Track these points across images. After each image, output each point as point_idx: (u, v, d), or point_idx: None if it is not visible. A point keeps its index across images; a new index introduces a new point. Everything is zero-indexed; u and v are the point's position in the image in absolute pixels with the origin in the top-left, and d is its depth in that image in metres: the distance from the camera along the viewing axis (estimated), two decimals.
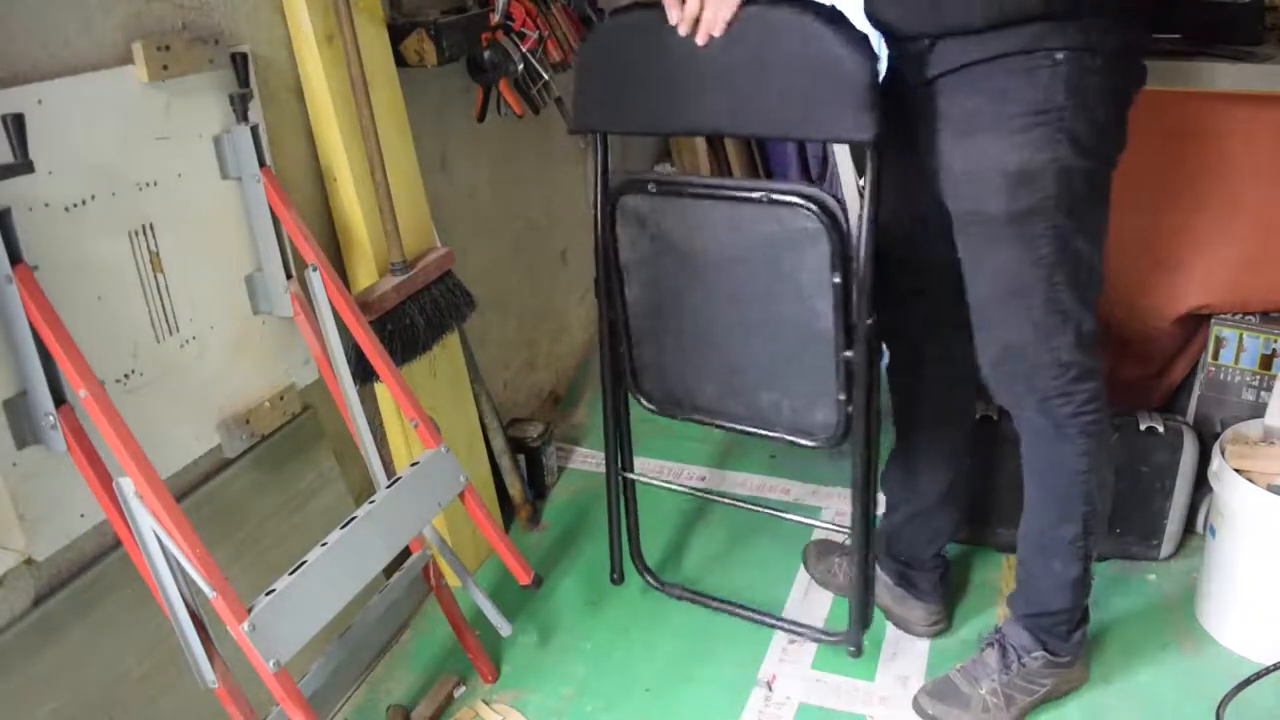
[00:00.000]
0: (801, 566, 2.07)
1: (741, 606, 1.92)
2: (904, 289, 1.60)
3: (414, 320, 1.79)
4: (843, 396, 1.58)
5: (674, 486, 2.11)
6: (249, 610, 1.23)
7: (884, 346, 1.73)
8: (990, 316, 1.47)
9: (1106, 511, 1.58)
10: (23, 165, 1.14)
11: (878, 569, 1.85)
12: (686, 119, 1.53)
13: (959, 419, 1.78)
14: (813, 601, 1.98)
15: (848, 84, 1.36)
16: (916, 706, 1.70)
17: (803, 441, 1.67)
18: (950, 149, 1.40)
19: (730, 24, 1.40)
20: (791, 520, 1.91)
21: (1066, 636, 1.65)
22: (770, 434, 1.70)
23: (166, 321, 1.42)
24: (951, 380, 1.71)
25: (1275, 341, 1.92)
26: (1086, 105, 1.30)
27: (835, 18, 1.38)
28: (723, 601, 1.93)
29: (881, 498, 1.86)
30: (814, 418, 1.64)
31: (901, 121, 1.44)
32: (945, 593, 1.88)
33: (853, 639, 1.77)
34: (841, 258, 1.47)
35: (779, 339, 1.60)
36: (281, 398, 1.62)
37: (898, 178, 1.50)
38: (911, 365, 1.74)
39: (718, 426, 1.76)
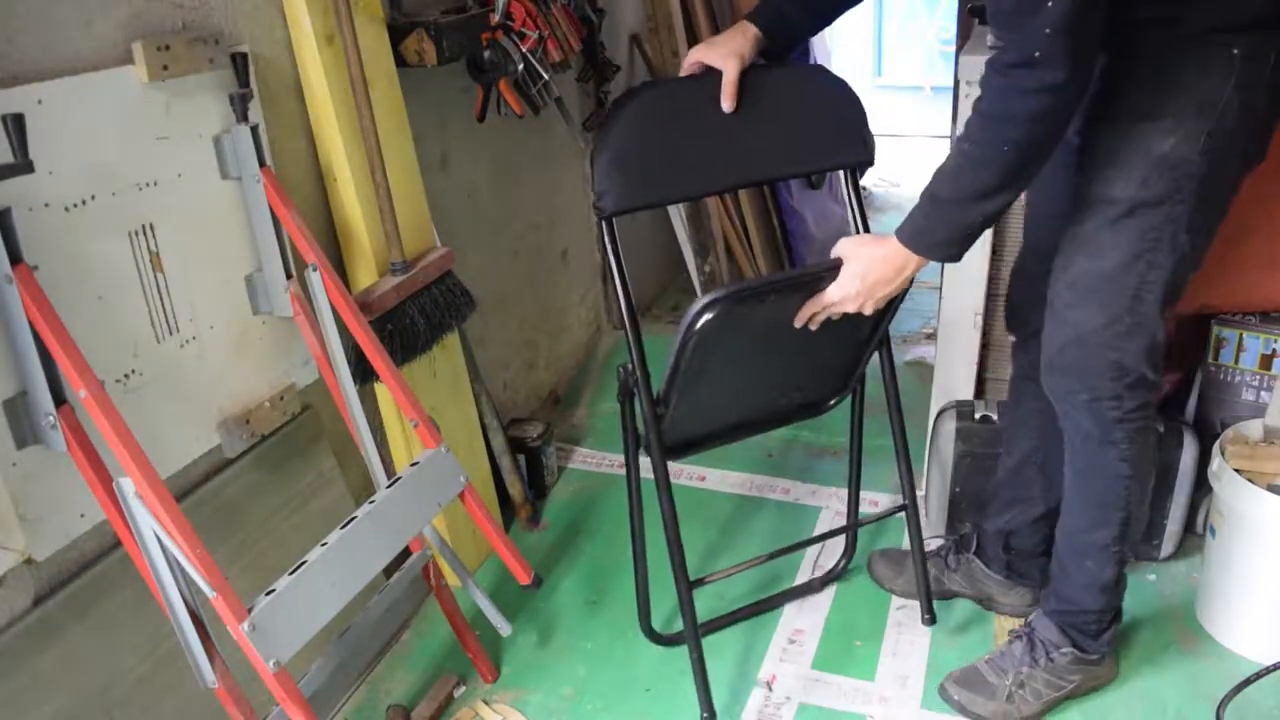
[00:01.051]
0: (803, 558, 2.06)
1: (746, 608, 1.92)
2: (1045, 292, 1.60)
3: (414, 320, 1.79)
4: (857, 371, 1.77)
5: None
6: (249, 610, 1.23)
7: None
8: (1070, 300, 1.44)
9: (1144, 519, 1.57)
10: (23, 165, 1.13)
11: (981, 565, 1.90)
12: (730, 175, 1.63)
13: None
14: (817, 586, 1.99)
15: (858, 117, 1.64)
16: (942, 693, 1.70)
17: (810, 414, 1.80)
18: (1096, 128, 1.38)
19: (744, 87, 1.51)
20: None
21: (1096, 635, 1.65)
22: (782, 423, 1.79)
23: (166, 321, 1.42)
24: None
25: (1275, 341, 1.92)
26: (1246, 105, 1.29)
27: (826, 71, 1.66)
28: (730, 613, 1.92)
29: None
30: (823, 393, 1.79)
31: None
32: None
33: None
34: None
35: (819, 353, 1.68)
36: (281, 398, 1.62)
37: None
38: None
39: (728, 443, 1.77)
